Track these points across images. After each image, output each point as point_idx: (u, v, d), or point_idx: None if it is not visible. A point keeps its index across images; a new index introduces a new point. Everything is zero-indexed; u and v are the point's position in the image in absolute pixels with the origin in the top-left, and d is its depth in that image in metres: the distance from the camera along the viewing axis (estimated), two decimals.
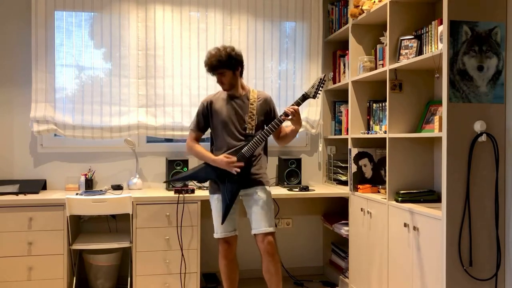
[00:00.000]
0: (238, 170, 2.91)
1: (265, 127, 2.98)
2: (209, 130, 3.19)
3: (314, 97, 2.96)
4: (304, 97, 2.96)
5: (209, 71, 2.97)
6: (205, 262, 3.88)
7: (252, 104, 3.01)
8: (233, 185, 2.95)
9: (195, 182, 3.70)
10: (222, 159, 2.93)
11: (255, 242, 3.02)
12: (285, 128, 3.14)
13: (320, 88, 2.95)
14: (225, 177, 2.97)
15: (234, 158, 2.92)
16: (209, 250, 3.89)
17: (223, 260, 3.06)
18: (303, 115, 4.05)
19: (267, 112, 3.08)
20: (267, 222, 2.95)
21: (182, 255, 3.41)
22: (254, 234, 2.98)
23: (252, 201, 2.98)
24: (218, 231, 3.02)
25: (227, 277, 3.09)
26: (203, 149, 3.09)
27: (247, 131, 2.98)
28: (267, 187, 3.05)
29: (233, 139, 2.98)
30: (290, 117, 2.90)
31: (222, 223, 2.97)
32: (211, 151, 3.10)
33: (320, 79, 2.96)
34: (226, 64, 2.92)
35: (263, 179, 3.05)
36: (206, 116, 3.09)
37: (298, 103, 2.94)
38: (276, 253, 2.98)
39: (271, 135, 2.97)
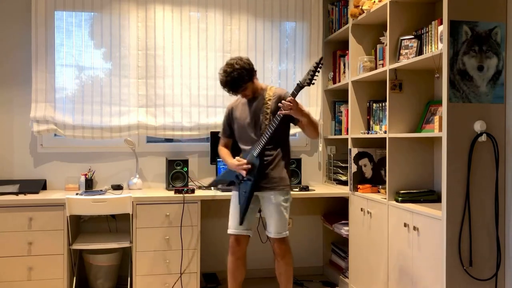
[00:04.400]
0: (247, 167, 2.91)
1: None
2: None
3: (309, 84, 2.71)
4: (299, 87, 2.74)
5: (234, 94, 2.96)
6: (205, 262, 3.88)
7: (267, 103, 2.96)
8: (247, 186, 2.96)
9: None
10: (233, 161, 3.01)
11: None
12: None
13: (316, 74, 2.69)
14: (240, 179, 3.01)
15: (244, 161, 2.96)
16: (209, 250, 3.89)
17: (230, 256, 3.09)
18: None
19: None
20: (278, 228, 2.98)
21: (182, 255, 3.41)
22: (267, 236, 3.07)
23: (268, 205, 3.00)
24: (230, 227, 3.07)
25: (231, 273, 3.10)
26: (226, 154, 3.15)
27: (262, 130, 2.95)
28: (284, 192, 2.98)
29: (251, 141, 3.00)
30: (287, 111, 2.76)
31: (241, 223, 3.00)
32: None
33: (316, 63, 2.68)
34: (244, 81, 2.90)
35: (280, 184, 2.97)
36: (229, 123, 3.16)
37: (294, 94, 2.76)
38: (287, 255, 3.04)
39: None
